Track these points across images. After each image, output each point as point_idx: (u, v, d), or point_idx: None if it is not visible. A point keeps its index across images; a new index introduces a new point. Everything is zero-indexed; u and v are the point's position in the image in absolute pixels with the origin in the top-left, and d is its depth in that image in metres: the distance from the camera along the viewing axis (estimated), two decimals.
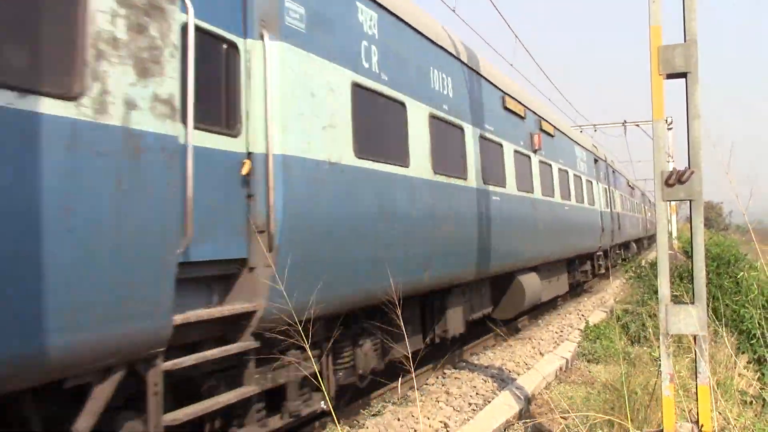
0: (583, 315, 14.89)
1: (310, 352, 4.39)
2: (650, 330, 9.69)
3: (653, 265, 14.92)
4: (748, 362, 8.17)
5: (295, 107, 5.14)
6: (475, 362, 10.03)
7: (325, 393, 4.80)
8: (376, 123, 6.50)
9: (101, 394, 3.59)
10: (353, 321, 6.61)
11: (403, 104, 7.11)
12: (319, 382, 4.82)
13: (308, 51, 5.38)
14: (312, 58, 5.43)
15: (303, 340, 4.19)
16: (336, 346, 6.20)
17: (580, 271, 18.53)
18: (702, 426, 4.36)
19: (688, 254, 11.09)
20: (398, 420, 6.96)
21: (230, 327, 4.75)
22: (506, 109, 11.00)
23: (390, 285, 5.74)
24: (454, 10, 11.05)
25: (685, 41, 4.58)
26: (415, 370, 6.09)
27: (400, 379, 7.03)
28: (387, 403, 7.73)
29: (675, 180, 4.50)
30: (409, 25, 7.46)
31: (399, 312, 4.74)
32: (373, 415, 7.31)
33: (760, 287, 9.56)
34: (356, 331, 6.70)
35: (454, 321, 9.01)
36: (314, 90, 5.41)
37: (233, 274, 4.87)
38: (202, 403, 4.37)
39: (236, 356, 4.73)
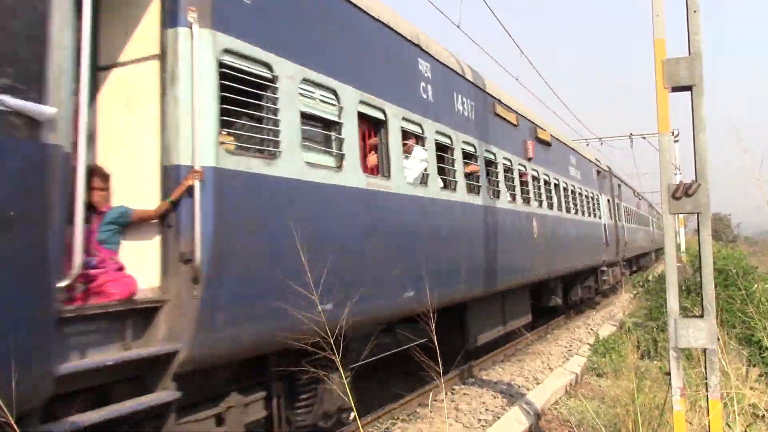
0: (592, 329, 14.81)
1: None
2: (660, 343, 9.62)
3: (660, 278, 14.90)
4: (760, 375, 8.09)
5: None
6: (484, 377, 9.98)
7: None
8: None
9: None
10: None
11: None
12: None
13: None
14: None
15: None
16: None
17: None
18: None
19: (695, 267, 11.03)
20: None
21: None
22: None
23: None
24: (458, 26, 11.13)
25: (689, 54, 4.57)
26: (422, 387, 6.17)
27: (429, 396, 8.04)
28: (396, 420, 7.69)
29: (682, 193, 4.49)
30: None
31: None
32: None
33: None
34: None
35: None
36: None
37: None
38: None
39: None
